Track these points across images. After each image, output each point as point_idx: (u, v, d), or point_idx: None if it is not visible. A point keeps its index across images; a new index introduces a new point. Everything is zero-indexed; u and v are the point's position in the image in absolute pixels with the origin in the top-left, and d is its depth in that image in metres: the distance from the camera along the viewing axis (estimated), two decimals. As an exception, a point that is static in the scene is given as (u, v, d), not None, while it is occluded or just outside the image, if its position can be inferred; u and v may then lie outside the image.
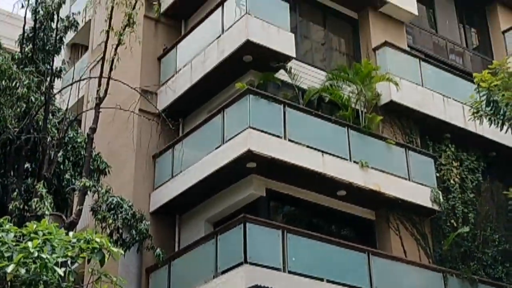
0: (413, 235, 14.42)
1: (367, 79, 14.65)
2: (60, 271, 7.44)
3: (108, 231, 12.53)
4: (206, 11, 15.34)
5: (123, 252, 8.45)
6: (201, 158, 13.45)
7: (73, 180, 13.42)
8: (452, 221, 15.11)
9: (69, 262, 7.76)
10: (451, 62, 18.00)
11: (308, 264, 12.11)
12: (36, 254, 7.31)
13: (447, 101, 15.97)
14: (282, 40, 13.88)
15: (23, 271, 7.23)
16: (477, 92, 14.15)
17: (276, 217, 13.71)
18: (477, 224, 15.50)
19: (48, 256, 7.37)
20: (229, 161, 12.70)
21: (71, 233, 8.14)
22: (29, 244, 7.41)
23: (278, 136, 12.83)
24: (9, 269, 7.14)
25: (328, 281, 12.10)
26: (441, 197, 14.56)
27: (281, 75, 14.22)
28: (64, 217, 12.13)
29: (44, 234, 7.70)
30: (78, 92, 16.93)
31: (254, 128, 12.57)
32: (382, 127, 15.04)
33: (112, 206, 12.73)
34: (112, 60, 12.80)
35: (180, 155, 13.90)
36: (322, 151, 13.21)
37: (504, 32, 18.71)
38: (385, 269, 13.09)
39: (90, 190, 12.40)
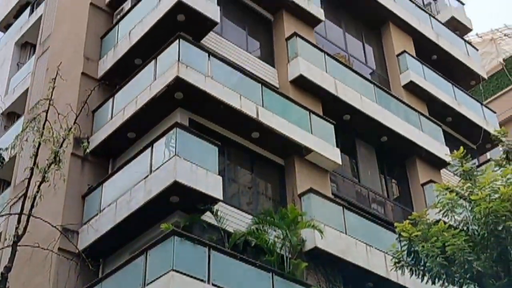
0: None
1: (293, 225, 14.77)
2: None
3: None
4: (135, 151, 15.43)
5: None
6: (123, 302, 12.94)
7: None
8: None
9: None
10: (374, 212, 18.46)
11: None
12: None
13: (370, 249, 16.18)
14: (210, 182, 13.99)
15: None
16: (398, 241, 14.48)
17: None
18: None
19: None
20: (151, 306, 12.25)
21: None
22: None
23: (202, 280, 12.55)
24: None
25: None
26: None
27: (208, 217, 14.19)
28: None
29: None
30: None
31: (177, 271, 12.28)
32: (307, 273, 14.98)
33: None
34: (34, 197, 12.52)
35: (99, 299, 13.33)
36: (245, 301, 12.97)
37: (423, 184, 19.53)
38: None
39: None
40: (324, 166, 17.25)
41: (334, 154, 17.24)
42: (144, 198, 14.00)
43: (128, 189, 14.53)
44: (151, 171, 14.26)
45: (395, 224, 14.22)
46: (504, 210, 12.66)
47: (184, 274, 12.34)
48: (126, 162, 15.28)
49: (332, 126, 17.71)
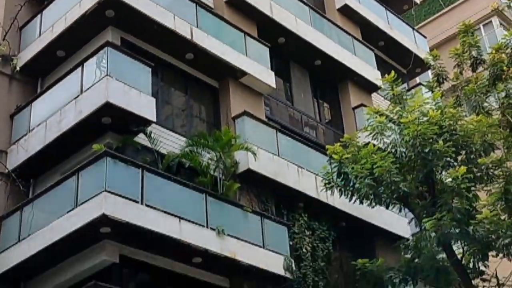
0: (266, 304, 14.49)
1: (227, 147, 14.87)
2: None
3: None
4: (65, 70, 15.00)
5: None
6: (51, 222, 12.84)
7: None
8: (304, 289, 15.39)
9: None
10: (306, 135, 18.74)
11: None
12: None
13: (301, 171, 16.51)
14: (142, 103, 13.81)
15: None
16: (329, 163, 14.83)
17: (129, 285, 13.29)
18: (327, 292, 15.89)
19: None
20: (81, 225, 12.21)
21: None
22: None
23: (135, 201, 12.57)
24: None
25: None
26: (293, 265, 14.82)
27: (141, 139, 14.08)
28: None
29: None
30: None
31: (110, 192, 12.25)
32: (239, 194, 15.22)
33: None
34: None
35: (29, 218, 13.20)
36: (180, 217, 13.09)
37: (354, 108, 19.88)
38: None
39: None
40: (258, 89, 17.27)
41: (268, 77, 17.24)
42: (75, 118, 13.72)
43: (58, 109, 14.20)
44: (81, 91, 13.94)
45: (327, 146, 14.53)
46: (431, 133, 13.11)
47: (117, 195, 12.32)
48: (56, 81, 14.86)
49: (267, 49, 17.63)
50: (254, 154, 15.04)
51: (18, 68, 13.84)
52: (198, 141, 14.76)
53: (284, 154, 16.35)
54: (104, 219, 12.03)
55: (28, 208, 13.53)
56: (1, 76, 15.46)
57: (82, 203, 12.48)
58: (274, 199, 16.07)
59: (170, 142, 14.72)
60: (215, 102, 16.81)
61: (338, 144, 14.37)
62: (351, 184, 14.12)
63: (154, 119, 13.99)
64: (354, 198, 14.32)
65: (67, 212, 12.63)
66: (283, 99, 19.09)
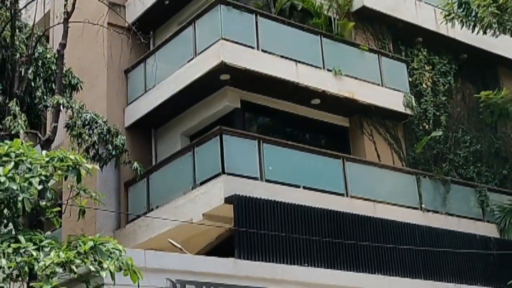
0: (387, 140, 14.66)
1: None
2: (38, 187, 7.52)
3: (84, 147, 12.54)
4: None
5: (98, 168, 8.43)
6: (174, 72, 13.34)
7: (45, 97, 13.25)
8: (425, 124, 15.35)
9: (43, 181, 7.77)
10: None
11: (284, 172, 12.30)
12: (7, 184, 7.31)
13: (419, 4, 15.89)
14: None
15: None
16: (449, -6, 14.13)
17: (252, 128, 13.81)
18: (448, 126, 15.79)
19: (18, 187, 7.36)
20: (202, 73, 12.62)
21: (44, 152, 8.14)
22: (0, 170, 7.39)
23: (251, 47, 12.72)
24: None
25: (304, 187, 12.35)
26: (413, 101, 14.73)
27: (253, -17, 13.97)
28: (39, 134, 12.07)
29: (17, 156, 7.68)
30: (44, 7, 16.39)
31: (226, 39, 12.43)
32: (355, 33, 14.97)
33: (87, 122, 12.67)
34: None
35: (153, 69, 13.76)
36: (296, 60, 13.17)
37: None
38: (360, 174, 13.37)
39: (64, 107, 12.29)
40: None
41: None
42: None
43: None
44: None
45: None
46: None
47: (233, 42, 12.49)
48: None
49: None
50: (369, -10, 14.54)
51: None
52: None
53: (400, -13, 15.70)
54: (222, 67, 12.34)
55: (150, 60, 14.07)
56: None
57: (201, 52, 12.79)
58: (391, 36, 15.69)
59: (282, -15, 14.47)
60: None
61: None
62: (473, 14, 13.48)
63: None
64: (476, 28, 13.70)
65: (188, 62, 13.03)
66: None
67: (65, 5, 12.53)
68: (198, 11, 13.25)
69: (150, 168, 13.49)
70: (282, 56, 13.00)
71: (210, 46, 12.56)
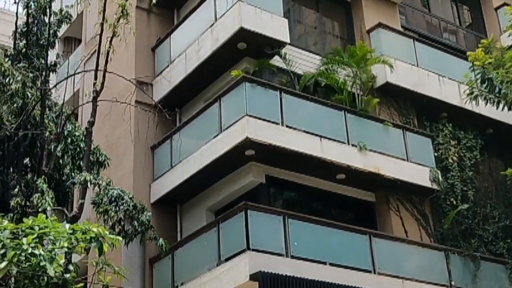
0: (414, 215, 14.50)
1: (362, 62, 14.67)
2: (61, 261, 7.49)
3: (110, 223, 12.58)
4: (198, -1, 15.31)
5: (121, 239, 8.36)
6: (199, 148, 13.48)
7: (72, 174, 13.43)
8: (452, 199, 15.18)
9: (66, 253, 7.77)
10: (445, 41, 18.00)
11: (310, 248, 12.18)
12: (30, 250, 7.33)
13: (443, 80, 16.00)
14: (275, 25, 13.87)
15: (14, 270, 7.25)
16: (471, 70, 14.19)
17: (277, 203, 13.77)
18: (476, 201, 15.59)
19: (42, 252, 7.38)
20: (227, 149, 12.74)
21: (67, 225, 8.17)
22: (23, 240, 7.43)
23: (275, 123, 12.86)
24: (1, 265, 7.19)
25: (331, 264, 12.19)
26: (440, 176, 14.63)
27: (276, 61, 14.22)
28: (66, 211, 12.16)
29: (40, 229, 7.73)
30: (73, 86, 16.89)
31: (251, 116, 12.59)
32: (379, 109, 15.07)
33: (113, 199, 12.75)
34: (107, 53, 12.75)
35: (178, 145, 13.93)
36: (320, 136, 13.26)
37: (496, 9, 18.72)
38: (387, 250, 13.18)
39: (91, 184, 12.42)
40: (392, -2, 16.72)
41: (401, -16, 16.62)
42: (212, 46, 14.07)
43: (196, 39, 14.61)
44: (216, 19, 14.20)
45: (468, 53, 13.88)
46: None
47: (258, 118, 12.65)
48: (191, 11, 15.22)
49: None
50: (391, 66, 14.73)
51: (154, 1, 14.25)
52: (333, 58, 14.67)
53: (423, 63, 15.88)
54: (248, 142, 12.46)
55: (176, 136, 14.27)
56: (139, 11, 16.06)
57: (226, 128, 12.95)
58: (415, 111, 15.77)
59: (305, 62, 14.73)
60: (347, 16, 16.50)
61: (480, 49, 13.67)
62: (497, 90, 13.49)
63: (288, 40, 14.04)
64: (501, 105, 13.69)
65: (213, 138, 13.18)
66: (418, 5, 18.34)
67: (94, 84, 12.86)
68: (224, 88, 13.50)
69: (175, 244, 13.45)
70: (306, 132, 13.11)
71: (235, 122, 12.72)
